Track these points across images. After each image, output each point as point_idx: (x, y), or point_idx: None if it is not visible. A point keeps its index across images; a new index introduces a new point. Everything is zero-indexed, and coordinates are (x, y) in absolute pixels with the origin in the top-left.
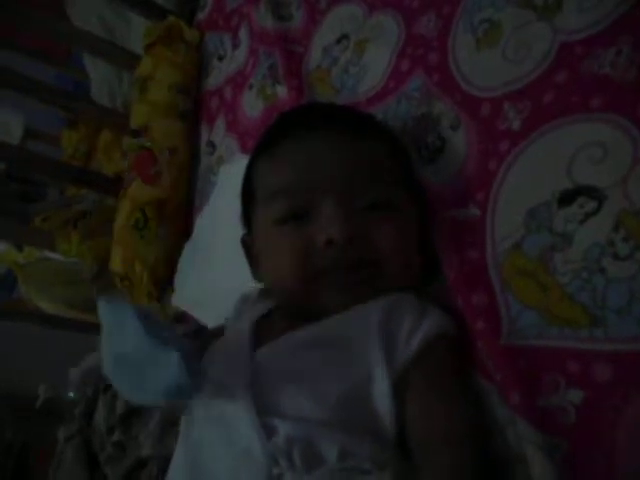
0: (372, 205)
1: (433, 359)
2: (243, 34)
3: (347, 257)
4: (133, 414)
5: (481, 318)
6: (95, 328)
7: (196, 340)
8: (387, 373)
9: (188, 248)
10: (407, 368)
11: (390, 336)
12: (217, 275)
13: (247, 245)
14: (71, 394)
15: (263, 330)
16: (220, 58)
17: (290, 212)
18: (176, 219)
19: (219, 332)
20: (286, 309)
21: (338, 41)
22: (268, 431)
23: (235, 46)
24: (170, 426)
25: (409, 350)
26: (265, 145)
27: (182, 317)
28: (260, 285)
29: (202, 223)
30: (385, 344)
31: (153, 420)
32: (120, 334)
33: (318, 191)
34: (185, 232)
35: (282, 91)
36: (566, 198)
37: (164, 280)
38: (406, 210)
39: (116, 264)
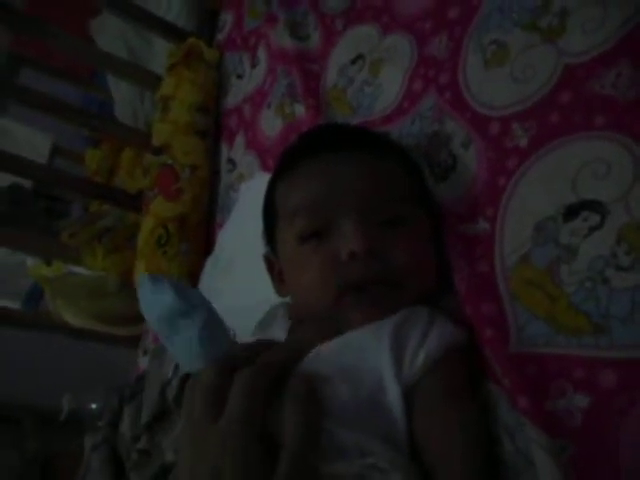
0: (389, 221)
1: (438, 375)
2: (261, 53)
3: (371, 271)
4: (156, 423)
5: (490, 326)
6: (118, 340)
7: None
8: (397, 386)
9: (210, 263)
10: (414, 385)
11: (400, 351)
12: (239, 290)
13: (270, 262)
14: (93, 405)
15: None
16: (239, 77)
17: (311, 230)
18: (198, 235)
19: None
20: (309, 323)
21: (353, 61)
22: None
23: (254, 65)
24: None
25: (414, 368)
26: (285, 166)
27: None
28: (283, 300)
29: (223, 239)
30: (395, 359)
31: (175, 428)
32: (158, 301)
33: (337, 209)
34: (207, 248)
35: (300, 110)
36: (571, 212)
37: None
38: (421, 225)
39: None
